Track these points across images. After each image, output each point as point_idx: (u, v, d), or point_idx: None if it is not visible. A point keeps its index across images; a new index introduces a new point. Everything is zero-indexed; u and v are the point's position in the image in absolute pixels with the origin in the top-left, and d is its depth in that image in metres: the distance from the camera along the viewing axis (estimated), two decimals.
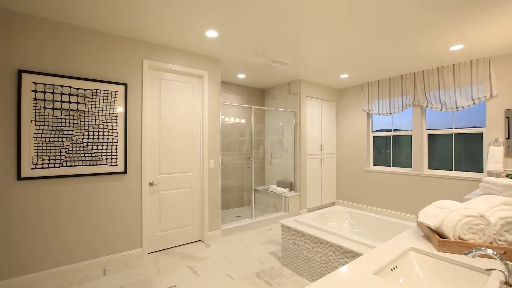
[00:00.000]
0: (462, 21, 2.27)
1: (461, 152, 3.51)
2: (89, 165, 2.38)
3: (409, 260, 1.09)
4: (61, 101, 2.26)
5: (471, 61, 3.23)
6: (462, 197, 3.35)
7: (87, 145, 2.37)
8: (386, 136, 4.35)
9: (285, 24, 2.33)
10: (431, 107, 3.61)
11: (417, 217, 1.29)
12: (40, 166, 2.16)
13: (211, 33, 2.52)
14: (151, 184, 2.79)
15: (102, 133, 2.45)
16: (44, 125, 2.18)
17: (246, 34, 2.54)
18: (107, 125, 2.48)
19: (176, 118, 2.99)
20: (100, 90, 2.44)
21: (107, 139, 2.48)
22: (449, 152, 3.61)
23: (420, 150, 3.81)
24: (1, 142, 2.01)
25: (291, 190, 4.29)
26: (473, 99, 3.22)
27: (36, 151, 2.14)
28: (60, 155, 2.25)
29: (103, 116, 2.46)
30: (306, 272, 2.26)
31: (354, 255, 1.90)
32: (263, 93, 5.00)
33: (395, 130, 4.19)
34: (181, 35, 2.57)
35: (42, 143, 2.17)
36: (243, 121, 4.67)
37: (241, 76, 4.07)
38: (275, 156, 4.76)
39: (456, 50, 2.93)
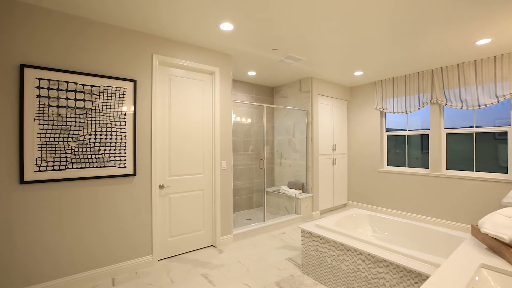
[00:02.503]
0: (493, 13, 2.12)
1: (482, 152, 3.36)
2: (96, 167, 2.22)
3: (486, 280, 0.94)
4: (67, 98, 2.09)
5: (495, 56, 3.08)
6: (488, 200, 3.19)
7: (94, 146, 2.21)
8: (396, 136, 4.20)
9: (302, 16, 2.17)
10: (450, 105, 3.46)
11: (479, 227, 1.13)
12: (44, 168, 1.99)
13: (226, 26, 2.35)
14: (161, 187, 2.63)
15: (110, 133, 2.29)
16: (48, 124, 2.02)
17: (262, 27, 2.39)
18: (115, 124, 2.32)
19: (187, 116, 2.83)
20: (108, 86, 2.28)
21: (115, 139, 2.32)
22: (468, 152, 3.46)
23: (439, 150, 3.66)
24: (2, 142, 1.85)
25: (303, 192, 4.13)
26: (497, 97, 3.07)
27: (40, 152, 1.98)
28: (66, 157, 2.08)
29: (111, 115, 2.30)
30: (330, 281, 2.11)
31: (388, 264, 1.75)
32: (272, 91, 4.84)
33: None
34: (194, 28, 2.41)
35: (46, 144, 2.01)
36: (249, 120, 4.51)
37: (252, 73, 3.91)
38: (285, 156, 4.60)
39: (481, 45, 2.78)
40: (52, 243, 2.03)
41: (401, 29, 2.41)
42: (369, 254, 1.84)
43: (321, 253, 2.19)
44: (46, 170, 2.00)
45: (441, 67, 3.53)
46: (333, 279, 2.09)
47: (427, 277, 1.63)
